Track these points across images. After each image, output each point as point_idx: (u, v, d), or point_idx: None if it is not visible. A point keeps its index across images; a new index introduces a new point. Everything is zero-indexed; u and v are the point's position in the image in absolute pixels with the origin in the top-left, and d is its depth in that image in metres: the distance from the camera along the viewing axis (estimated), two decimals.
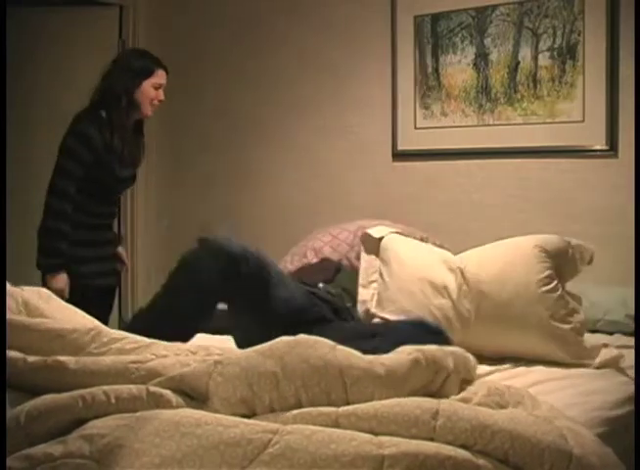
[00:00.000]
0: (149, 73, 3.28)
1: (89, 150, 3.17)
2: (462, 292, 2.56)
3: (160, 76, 3.33)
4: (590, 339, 2.58)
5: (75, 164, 3.16)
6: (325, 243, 3.44)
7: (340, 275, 3.08)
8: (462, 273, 2.60)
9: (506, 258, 2.63)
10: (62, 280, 3.15)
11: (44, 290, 2.41)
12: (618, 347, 2.64)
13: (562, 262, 2.64)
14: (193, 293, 2.49)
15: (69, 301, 2.45)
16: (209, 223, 4.18)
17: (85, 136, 3.17)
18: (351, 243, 3.33)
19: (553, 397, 1.96)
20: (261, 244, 3.51)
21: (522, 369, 2.35)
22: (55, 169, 3.20)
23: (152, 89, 3.29)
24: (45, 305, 2.17)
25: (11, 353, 1.81)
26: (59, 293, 2.94)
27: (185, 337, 2.35)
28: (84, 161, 3.17)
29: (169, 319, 2.46)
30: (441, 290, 2.58)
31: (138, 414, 1.56)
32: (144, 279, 4.60)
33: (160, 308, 2.53)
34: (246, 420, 1.55)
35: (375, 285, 2.86)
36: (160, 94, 3.34)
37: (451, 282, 2.59)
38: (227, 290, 2.52)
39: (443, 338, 2.39)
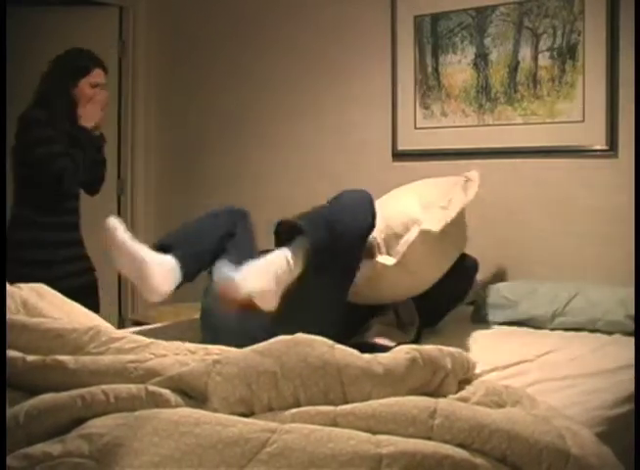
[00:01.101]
0: (85, 72, 3.29)
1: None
2: None
3: (96, 75, 3.33)
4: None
5: (23, 167, 3.20)
6: None
7: None
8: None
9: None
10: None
11: (40, 286, 2.42)
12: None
13: None
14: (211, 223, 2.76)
15: None
16: None
17: (30, 138, 3.17)
18: None
19: (552, 396, 1.95)
20: (262, 244, 3.53)
21: (520, 368, 2.35)
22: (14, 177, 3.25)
23: (88, 88, 3.29)
24: (43, 304, 2.17)
25: (10, 353, 1.81)
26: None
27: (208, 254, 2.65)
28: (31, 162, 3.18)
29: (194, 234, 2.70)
30: None
31: (137, 414, 1.56)
32: None
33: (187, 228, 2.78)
34: (244, 419, 1.55)
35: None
36: (99, 93, 3.32)
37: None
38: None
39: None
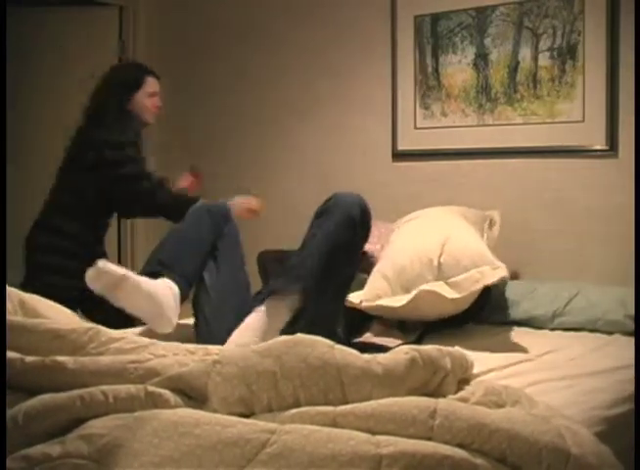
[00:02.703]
0: (138, 85, 3.28)
1: None
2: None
3: (150, 84, 3.32)
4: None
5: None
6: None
7: None
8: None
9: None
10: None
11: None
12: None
13: None
14: (193, 234, 2.65)
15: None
16: None
17: (117, 157, 3.17)
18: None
19: (551, 396, 1.95)
20: (262, 244, 3.54)
21: (519, 368, 2.35)
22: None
23: (146, 98, 3.29)
24: (41, 305, 2.17)
25: (9, 354, 1.81)
26: None
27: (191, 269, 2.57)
28: None
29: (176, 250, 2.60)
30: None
31: (136, 414, 1.56)
32: None
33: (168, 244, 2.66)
34: (244, 420, 1.55)
35: None
36: (156, 100, 3.34)
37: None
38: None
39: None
